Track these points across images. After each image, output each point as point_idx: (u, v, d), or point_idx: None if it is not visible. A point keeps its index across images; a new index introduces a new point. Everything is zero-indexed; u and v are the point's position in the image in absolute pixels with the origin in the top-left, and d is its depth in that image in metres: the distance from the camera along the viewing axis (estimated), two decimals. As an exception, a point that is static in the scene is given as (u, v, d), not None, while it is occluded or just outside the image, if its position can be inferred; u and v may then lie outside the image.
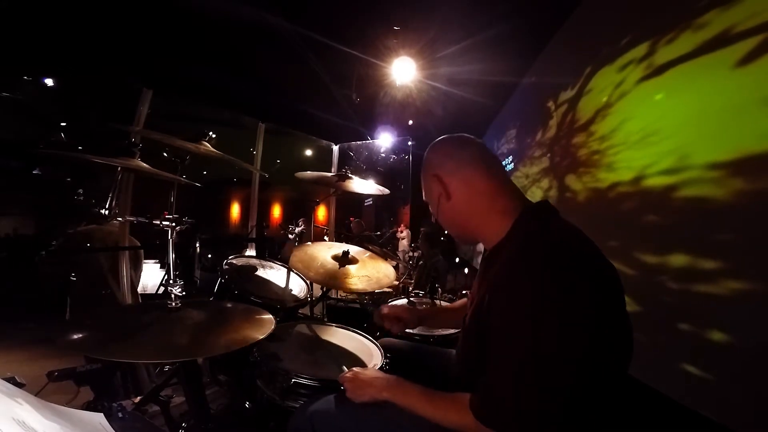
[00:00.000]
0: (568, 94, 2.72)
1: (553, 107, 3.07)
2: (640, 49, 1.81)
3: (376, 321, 1.28)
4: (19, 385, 0.66)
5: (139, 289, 2.84)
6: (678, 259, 1.52)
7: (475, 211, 0.86)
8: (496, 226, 0.83)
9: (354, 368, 0.96)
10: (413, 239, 5.37)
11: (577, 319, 0.64)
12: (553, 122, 3.02)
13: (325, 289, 1.83)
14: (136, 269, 2.58)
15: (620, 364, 0.72)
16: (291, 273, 1.80)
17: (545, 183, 3.05)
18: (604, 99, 2.16)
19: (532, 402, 0.65)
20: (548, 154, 3.09)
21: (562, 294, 0.65)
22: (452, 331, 1.58)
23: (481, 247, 0.96)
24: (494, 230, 0.84)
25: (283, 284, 1.78)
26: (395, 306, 1.27)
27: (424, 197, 0.98)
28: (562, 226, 0.79)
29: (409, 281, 2.82)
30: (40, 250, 2.11)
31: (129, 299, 2.48)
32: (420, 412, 0.79)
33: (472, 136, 0.92)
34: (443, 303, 2.06)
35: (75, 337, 0.86)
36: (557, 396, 0.64)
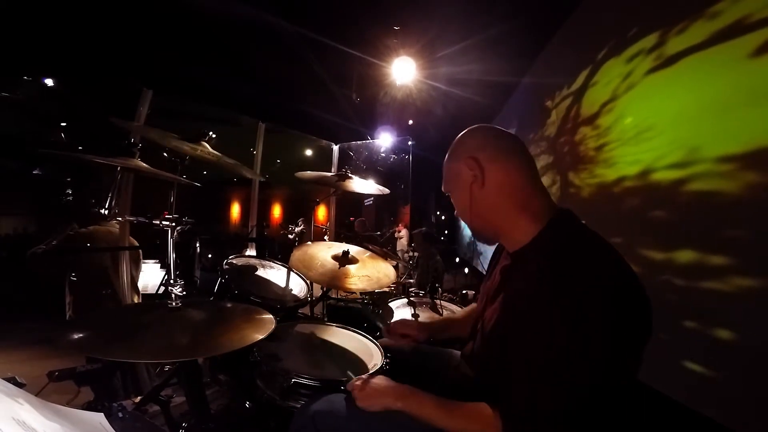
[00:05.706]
0: (569, 90, 2.71)
1: (551, 105, 3.06)
2: (648, 41, 1.77)
3: (385, 338, 1.26)
4: (20, 385, 0.66)
5: (140, 289, 2.85)
6: (684, 255, 1.49)
7: (508, 206, 0.82)
8: (524, 228, 0.80)
9: (362, 376, 0.92)
10: (410, 239, 5.37)
11: (612, 335, 0.65)
12: (554, 119, 3.02)
13: (325, 289, 1.83)
14: (137, 268, 2.60)
15: (633, 376, 0.73)
16: (291, 273, 1.80)
17: (547, 179, 3.05)
18: (609, 93, 2.12)
19: (567, 412, 0.66)
20: (550, 151, 3.09)
21: (598, 310, 0.65)
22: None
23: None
24: (521, 231, 0.81)
25: (283, 284, 1.78)
26: (403, 322, 1.22)
27: (445, 187, 0.91)
28: (595, 240, 0.76)
29: (410, 281, 2.83)
30: (31, 249, 2.09)
31: (131, 298, 2.50)
32: (437, 424, 0.77)
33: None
34: (443, 302, 2.06)
35: (75, 337, 0.86)
36: (583, 405, 0.66)
